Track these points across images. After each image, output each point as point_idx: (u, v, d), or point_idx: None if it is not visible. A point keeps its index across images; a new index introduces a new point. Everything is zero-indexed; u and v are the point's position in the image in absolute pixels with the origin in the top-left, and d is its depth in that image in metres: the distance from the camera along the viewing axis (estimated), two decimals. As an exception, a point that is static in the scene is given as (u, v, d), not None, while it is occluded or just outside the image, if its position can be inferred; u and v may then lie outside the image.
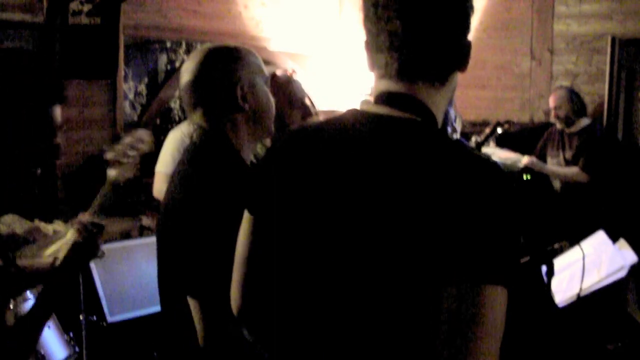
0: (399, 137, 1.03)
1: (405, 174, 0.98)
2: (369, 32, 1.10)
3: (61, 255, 1.76)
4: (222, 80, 1.55)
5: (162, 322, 1.61)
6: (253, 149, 1.68)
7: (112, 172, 1.77)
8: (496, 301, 0.92)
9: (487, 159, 1.01)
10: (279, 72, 2.27)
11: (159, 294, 1.59)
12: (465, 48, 1.10)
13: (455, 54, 1.09)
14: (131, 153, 1.78)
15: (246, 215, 1.18)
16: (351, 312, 1.03)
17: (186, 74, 1.58)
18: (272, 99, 1.65)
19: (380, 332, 1.00)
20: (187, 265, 1.43)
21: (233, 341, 1.40)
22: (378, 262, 0.98)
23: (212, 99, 1.56)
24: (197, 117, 1.58)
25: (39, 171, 3.96)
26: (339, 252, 1.03)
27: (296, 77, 2.32)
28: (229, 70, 1.56)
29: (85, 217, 1.78)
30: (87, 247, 1.75)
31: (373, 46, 1.10)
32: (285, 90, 2.29)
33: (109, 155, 1.77)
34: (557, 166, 4.33)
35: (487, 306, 0.91)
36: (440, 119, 1.11)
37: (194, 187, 1.47)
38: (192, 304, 1.42)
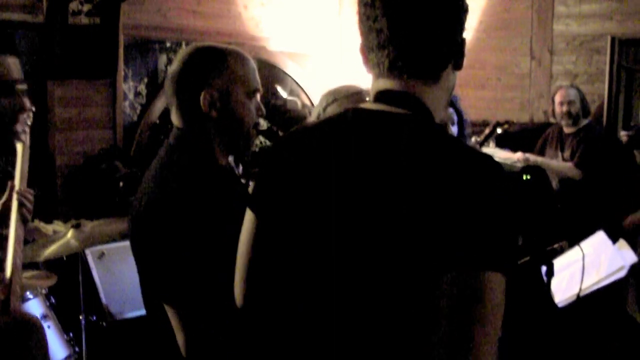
0: (394, 131, 1.05)
1: (403, 165, 1.00)
2: (361, 32, 1.12)
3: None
4: (190, 81, 1.50)
5: (148, 328, 1.57)
6: (228, 160, 1.60)
7: (23, 142, 2.17)
8: (495, 287, 0.94)
9: (483, 152, 1.03)
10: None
11: (142, 299, 1.54)
12: (456, 46, 1.11)
13: (444, 50, 1.09)
14: (28, 123, 2.20)
15: (249, 215, 1.19)
16: (355, 304, 1.04)
17: (170, 68, 1.55)
18: (250, 114, 1.55)
19: (383, 320, 1.02)
20: (161, 272, 1.39)
21: (213, 349, 1.37)
22: (380, 252, 1.00)
23: (179, 97, 1.52)
24: (174, 114, 1.55)
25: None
26: (342, 245, 1.05)
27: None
28: (201, 72, 1.49)
29: (17, 186, 2.16)
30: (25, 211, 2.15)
31: (366, 45, 1.12)
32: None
33: (19, 128, 2.16)
34: (553, 160, 4.32)
35: (485, 292, 0.93)
36: (438, 115, 1.12)
37: (164, 190, 1.41)
38: (170, 311, 1.38)
